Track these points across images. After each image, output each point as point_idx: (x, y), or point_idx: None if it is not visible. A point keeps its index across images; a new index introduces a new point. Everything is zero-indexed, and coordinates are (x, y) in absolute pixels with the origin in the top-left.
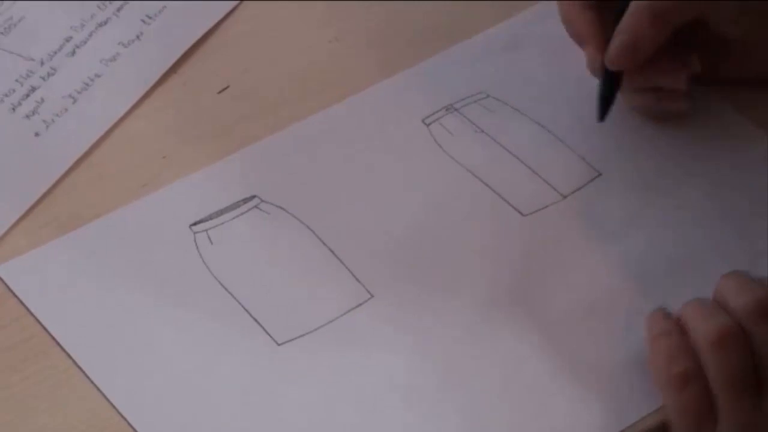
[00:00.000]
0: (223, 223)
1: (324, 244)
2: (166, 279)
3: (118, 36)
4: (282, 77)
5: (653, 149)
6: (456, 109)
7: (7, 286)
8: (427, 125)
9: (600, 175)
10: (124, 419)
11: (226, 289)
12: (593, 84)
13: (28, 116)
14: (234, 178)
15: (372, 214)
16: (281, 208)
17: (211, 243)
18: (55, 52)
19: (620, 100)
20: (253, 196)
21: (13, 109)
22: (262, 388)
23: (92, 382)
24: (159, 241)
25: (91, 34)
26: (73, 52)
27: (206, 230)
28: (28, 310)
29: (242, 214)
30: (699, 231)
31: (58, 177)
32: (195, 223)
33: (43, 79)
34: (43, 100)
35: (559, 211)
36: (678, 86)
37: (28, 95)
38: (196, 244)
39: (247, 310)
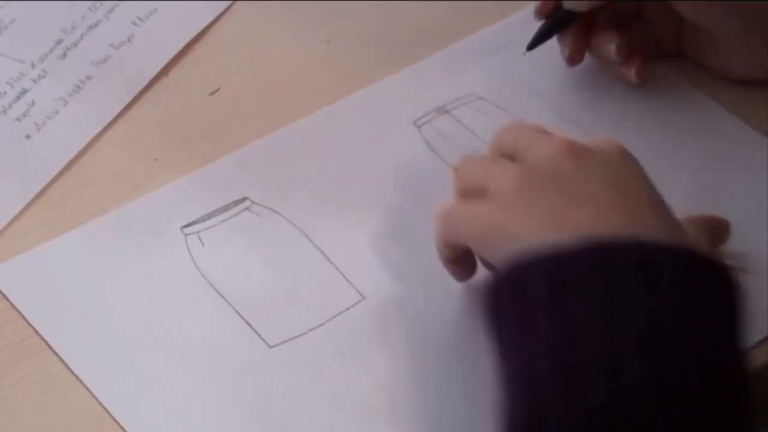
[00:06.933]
0: (214, 225)
1: (315, 246)
2: (158, 281)
3: (109, 38)
4: (273, 79)
5: (647, 152)
6: (447, 111)
7: None
8: (419, 127)
9: None
10: (116, 422)
11: (217, 291)
12: (587, 87)
13: (19, 119)
14: (225, 180)
15: (363, 215)
16: (272, 210)
17: (203, 245)
18: (46, 55)
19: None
20: (245, 198)
21: (4, 112)
22: (253, 390)
23: (84, 385)
24: (150, 243)
25: (82, 37)
26: (64, 55)
27: (197, 232)
28: (19, 312)
29: (233, 216)
30: None
31: (49, 180)
32: (186, 225)
33: (34, 81)
34: (34, 102)
35: None
36: (610, 57)
37: (18, 98)
38: (187, 247)
39: (238, 313)
